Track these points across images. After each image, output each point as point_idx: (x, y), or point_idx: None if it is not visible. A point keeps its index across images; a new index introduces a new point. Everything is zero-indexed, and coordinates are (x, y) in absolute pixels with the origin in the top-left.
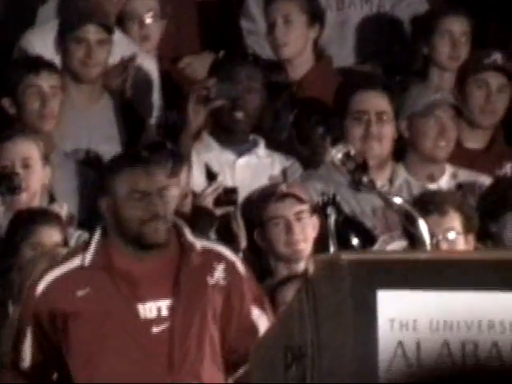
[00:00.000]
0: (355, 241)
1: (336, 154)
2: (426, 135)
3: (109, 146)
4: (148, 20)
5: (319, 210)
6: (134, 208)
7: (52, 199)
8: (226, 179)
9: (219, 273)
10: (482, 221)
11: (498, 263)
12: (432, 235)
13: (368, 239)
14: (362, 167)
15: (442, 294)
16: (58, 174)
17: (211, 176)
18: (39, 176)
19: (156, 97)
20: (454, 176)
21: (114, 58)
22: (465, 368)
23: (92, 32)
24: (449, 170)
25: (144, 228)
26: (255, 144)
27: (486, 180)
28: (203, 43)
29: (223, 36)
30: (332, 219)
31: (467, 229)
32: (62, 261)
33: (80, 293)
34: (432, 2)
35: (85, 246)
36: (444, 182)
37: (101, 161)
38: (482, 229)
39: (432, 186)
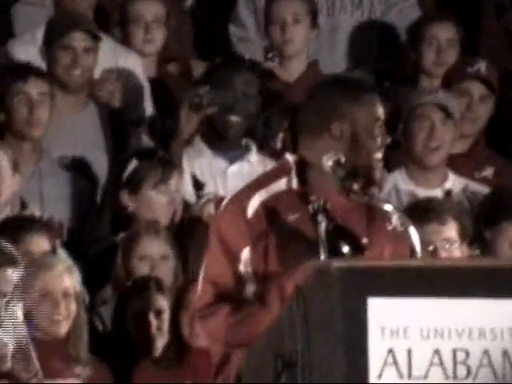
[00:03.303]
0: (346, 248)
1: (326, 161)
2: (416, 138)
3: (95, 154)
4: (153, 25)
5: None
6: (375, 136)
7: (23, 206)
8: (217, 187)
9: (395, 220)
10: (477, 227)
11: (488, 271)
12: (430, 243)
13: (358, 247)
14: (353, 174)
15: (432, 301)
16: (47, 181)
17: (198, 186)
18: (9, 183)
19: (146, 103)
20: (464, 189)
21: (101, 64)
22: (456, 376)
23: (78, 39)
24: (459, 181)
25: (374, 160)
26: (247, 149)
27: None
28: (193, 50)
29: (213, 43)
30: (322, 226)
31: (463, 237)
32: (265, 182)
33: (291, 217)
34: (425, 7)
35: (284, 170)
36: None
37: (89, 168)
38: (477, 235)
39: (422, 193)
